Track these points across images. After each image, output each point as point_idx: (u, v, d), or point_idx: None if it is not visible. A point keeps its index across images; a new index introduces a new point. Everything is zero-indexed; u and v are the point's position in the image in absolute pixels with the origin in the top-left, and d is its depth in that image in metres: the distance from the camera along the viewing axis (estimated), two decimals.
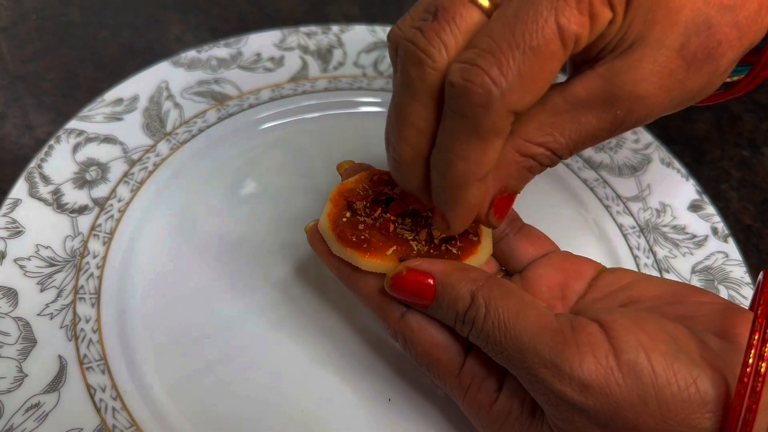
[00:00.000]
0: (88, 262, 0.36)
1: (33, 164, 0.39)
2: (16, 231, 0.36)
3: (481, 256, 0.30)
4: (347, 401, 0.33)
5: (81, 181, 0.39)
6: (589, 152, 0.44)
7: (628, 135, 0.45)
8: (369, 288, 0.30)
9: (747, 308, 0.27)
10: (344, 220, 0.30)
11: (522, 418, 0.26)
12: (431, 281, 0.27)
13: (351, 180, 0.32)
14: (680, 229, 0.40)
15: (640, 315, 0.25)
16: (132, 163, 0.40)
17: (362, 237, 0.30)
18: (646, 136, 0.44)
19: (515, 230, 0.33)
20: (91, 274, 0.35)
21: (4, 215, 0.36)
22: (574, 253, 0.33)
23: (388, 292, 0.28)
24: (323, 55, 0.47)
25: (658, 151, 0.44)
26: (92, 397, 0.31)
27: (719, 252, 0.39)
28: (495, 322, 0.25)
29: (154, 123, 0.42)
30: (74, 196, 0.38)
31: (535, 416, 0.26)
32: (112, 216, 0.38)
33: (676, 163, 0.43)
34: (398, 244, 0.30)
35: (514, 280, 0.32)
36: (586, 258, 0.32)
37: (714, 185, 0.46)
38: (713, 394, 0.22)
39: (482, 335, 0.26)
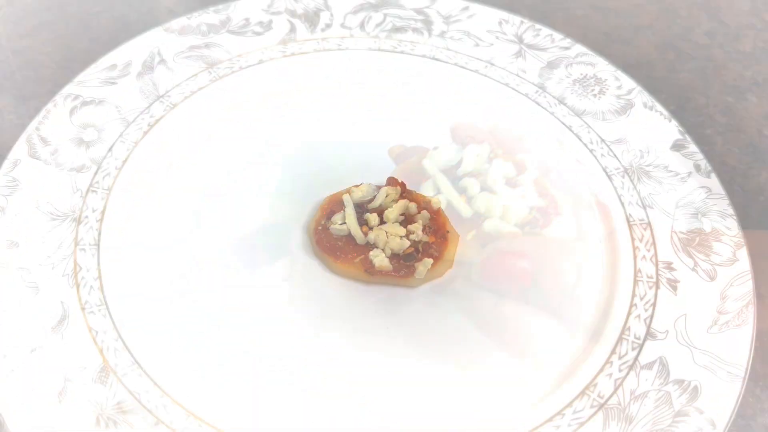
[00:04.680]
0: (87, 216, 0.37)
1: (31, 127, 0.40)
2: (17, 188, 0.37)
3: (439, 269, 0.36)
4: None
5: (78, 141, 0.40)
6: (573, 100, 0.45)
7: (611, 81, 0.45)
8: None
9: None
10: (319, 228, 0.36)
11: None
12: None
13: (343, 191, 0.38)
14: (663, 168, 0.41)
15: None
16: (127, 124, 0.41)
17: (337, 245, 0.36)
18: (628, 82, 0.45)
19: None
20: (91, 227, 0.37)
21: (5, 174, 0.38)
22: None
23: None
24: (310, 17, 0.48)
25: (640, 96, 0.44)
26: (94, 339, 0.33)
27: (702, 187, 0.40)
28: None
29: (147, 86, 0.43)
30: (72, 156, 0.39)
31: None
32: (109, 174, 0.39)
33: (659, 106, 0.44)
34: (366, 254, 0.35)
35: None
36: None
37: (699, 131, 0.47)
38: None
39: None
